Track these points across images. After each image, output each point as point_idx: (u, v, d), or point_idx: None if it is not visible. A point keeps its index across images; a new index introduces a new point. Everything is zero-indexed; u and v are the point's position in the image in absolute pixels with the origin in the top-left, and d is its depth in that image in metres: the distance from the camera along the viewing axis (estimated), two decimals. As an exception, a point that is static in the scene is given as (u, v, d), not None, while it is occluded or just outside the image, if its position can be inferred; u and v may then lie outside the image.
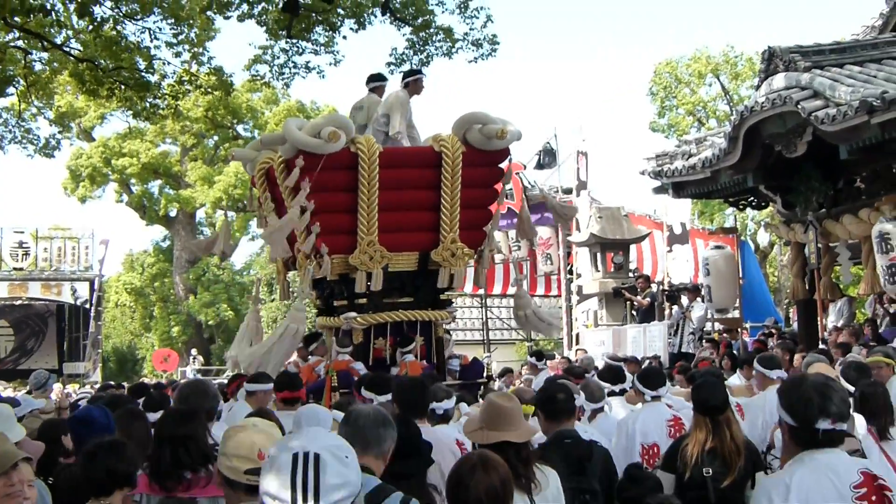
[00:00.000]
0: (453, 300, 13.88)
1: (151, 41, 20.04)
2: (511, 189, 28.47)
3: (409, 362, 12.34)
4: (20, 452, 4.77)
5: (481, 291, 31.35)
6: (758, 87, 16.62)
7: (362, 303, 12.72)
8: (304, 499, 3.37)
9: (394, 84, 14.08)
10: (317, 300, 13.81)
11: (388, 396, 8.11)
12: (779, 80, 15.42)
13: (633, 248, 26.63)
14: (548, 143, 29.95)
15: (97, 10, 18.03)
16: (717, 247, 20.51)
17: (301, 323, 12.24)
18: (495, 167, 13.15)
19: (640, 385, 8.18)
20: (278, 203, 12.95)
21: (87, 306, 40.04)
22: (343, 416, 5.02)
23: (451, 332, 16.43)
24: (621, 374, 9.85)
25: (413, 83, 13.63)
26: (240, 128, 49.58)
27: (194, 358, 41.84)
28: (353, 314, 12.63)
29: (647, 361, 17.86)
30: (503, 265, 30.86)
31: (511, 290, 30.55)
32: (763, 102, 15.51)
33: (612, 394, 9.16)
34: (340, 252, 12.38)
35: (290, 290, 14.96)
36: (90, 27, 18.09)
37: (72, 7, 18.36)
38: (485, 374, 13.61)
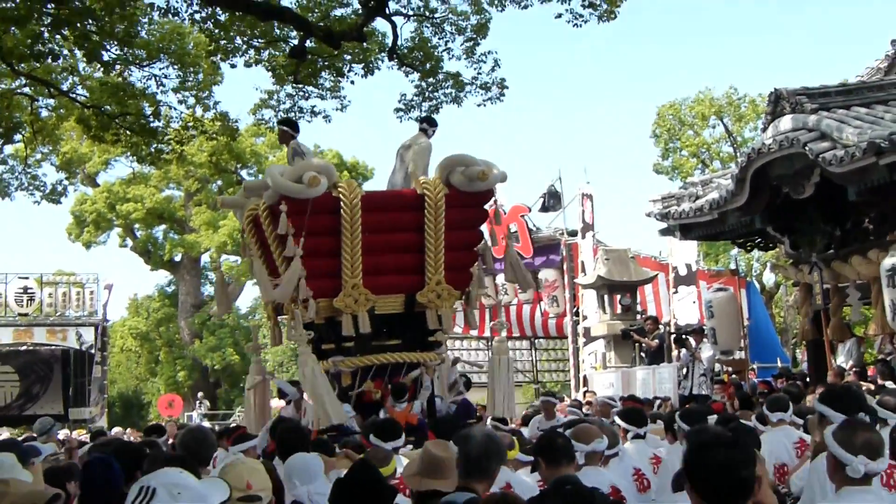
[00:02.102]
0: (443, 342, 13.82)
1: (158, 87, 20.16)
2: (516, 232, 28.56)
3: (396, 412, 12.33)
4: (48, 492, 4.74)
5: (487, 334, 31.34)
6: (764, 129, 16.64)
7: (349, 346, 12.77)
8: None
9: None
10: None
11: (397, 443, 8.12)
12: (786, 122, 15.42)
13: (642, 289, 26.57)
14: (552, 185, 29.98)
15: (105, 54, 18.17)
16: (720, 289, 20.44)
17: (313, 363, 12.15)
18: (479, 208, 13.23)
19: (768, 410, 9.24)
20: (265, 249, 13.00)
21: (93, 351, 39.94)
22: (459, 439, 5.72)
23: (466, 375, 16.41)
24: (643, 416, 9.72)
25: (432, 133, 13.86)
26: (244, 172, 49.61)
27: (200, 402, 41.70)
28: (340, 357, 12.65)
29: (658, 403, 17.73)
30: (516, 307, 30.93)
31: (503, 333, 30.63)
32: (770, 144, 15.51)
33: (636, 437, 9.02)
34: (325, 295, 12.44)
35: (279, 336, 14.91)
36: (98, 71, 18.22)
37: (79, 53, 18.45)
38: (475, 416, 13.61)
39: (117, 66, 19.01)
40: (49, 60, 17.58)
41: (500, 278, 25.78)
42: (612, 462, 8.02)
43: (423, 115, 14.90)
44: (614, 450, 8.05)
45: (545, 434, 6.79)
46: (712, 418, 9.27)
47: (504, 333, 14.41)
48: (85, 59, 18.76)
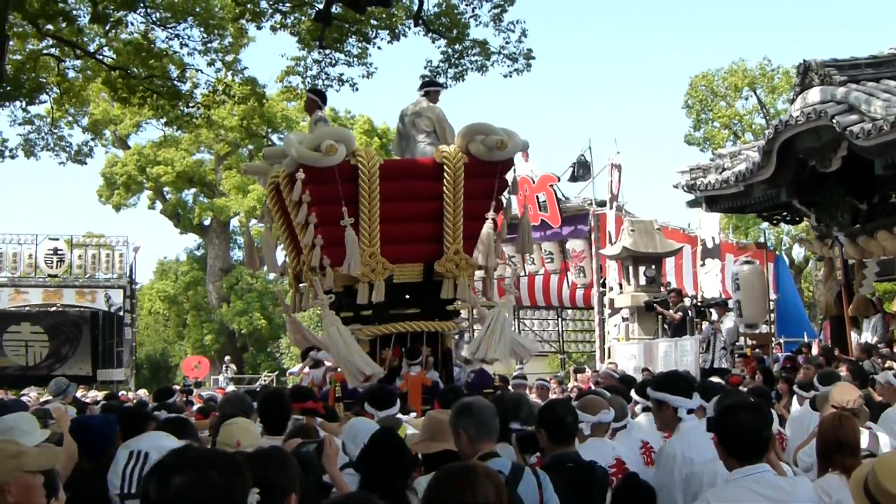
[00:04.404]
0: (461, 311, 13.76)
1: (182, 48, 20.13)
2: (545, 201, 28.44)
3: (412, 376, 12.37)
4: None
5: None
6: (793, 101, 16.45)
7: (367, 314, 12.69)
8: (129, 486, 4.55)
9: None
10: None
11: (392, 411, 8.09)
12: (814, 94, 15.23)
13: (667, 261, 26.43)
14: (582, 155, 29.81)
15: (130, 17, 18.14)
16: (747, 262, 20.26)
17: (338, 323, 12.10)
18: (499, 178, 13.08)
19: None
20: (285, 216, 12.98)
21: (121, 313, 40.17)
22: (462, 409, 5.66)
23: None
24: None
25: (435, 94, 13.68)
26: (275, 137, 49.56)
27: (227, 366, 41.87)
28: (358, 325, 12.60)
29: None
30: (543, 278, 30.84)
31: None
32: (798, 116, 15.32)
33: (647, 409, 8.90)
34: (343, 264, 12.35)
35: (300, 302, 14.71)
36: (107, 32, 18.19)
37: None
38: (492, 385, 13.55)
39: (124, 28, 18.94)
40: (63, 24, 17.51)
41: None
42: (620, 434, 7.93)
43: (426, 79, 14.63)
44: (622, 422, 7.96)
45: (554, 409, 6.60)
46: None
47: (511, 296, 14.34)
48: (90, 20, 18.70)
